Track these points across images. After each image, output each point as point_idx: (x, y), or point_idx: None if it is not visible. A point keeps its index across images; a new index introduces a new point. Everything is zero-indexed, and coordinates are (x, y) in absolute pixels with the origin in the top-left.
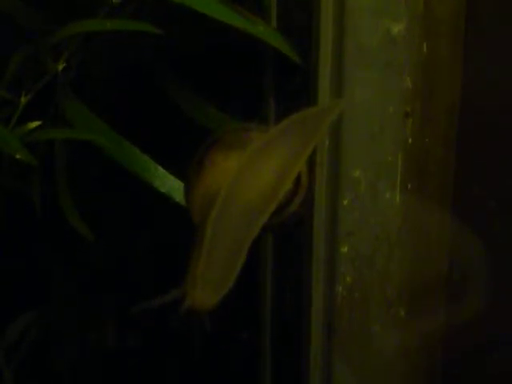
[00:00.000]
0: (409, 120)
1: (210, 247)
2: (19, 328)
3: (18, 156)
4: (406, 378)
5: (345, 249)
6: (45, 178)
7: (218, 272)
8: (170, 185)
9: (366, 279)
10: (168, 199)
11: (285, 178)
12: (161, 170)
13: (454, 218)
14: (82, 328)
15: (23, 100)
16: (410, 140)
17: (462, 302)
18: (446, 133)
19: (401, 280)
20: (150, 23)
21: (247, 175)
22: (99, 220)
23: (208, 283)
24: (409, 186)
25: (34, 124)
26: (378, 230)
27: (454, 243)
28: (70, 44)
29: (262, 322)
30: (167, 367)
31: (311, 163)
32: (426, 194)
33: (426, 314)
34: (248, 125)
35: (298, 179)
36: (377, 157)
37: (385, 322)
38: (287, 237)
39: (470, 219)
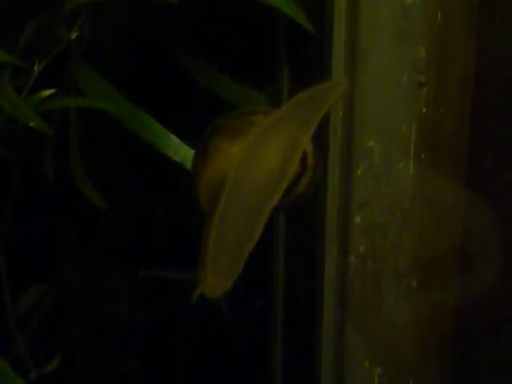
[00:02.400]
0: (423, 90)
1: (218, 233)
2: (32, 297)
3: (31, 124)
4: (417, 349)
5: (358, 219)
6: (58, 148)
7: (229, 257)
8: (184, 154)
9: (379, 249)
10: (182, 168)
11: (291, 158)
12: (174, 138)
13: (468, 189)
14: (94, 299)
15: (36, 69)
16: (423, 110)
17: (475, 274)
18: (460, 103)
19: (414, 251)
20: None
21: (253, 159)
22: (112, 190)
23: (218, 269)
24: (422, 156)
25: (48, 92)
26: (391, 200)
27: (468, 215)
28: (83, 12)
29: (274, 292)
30: (178, 339)
31: (317, 144)
32: (439, 164)
33: (439, 286)
34: (251, 108)
35: (304, 160)
36: (390, 127)
37: (397, 292)
38: (300, 207)
39: (484, 190)
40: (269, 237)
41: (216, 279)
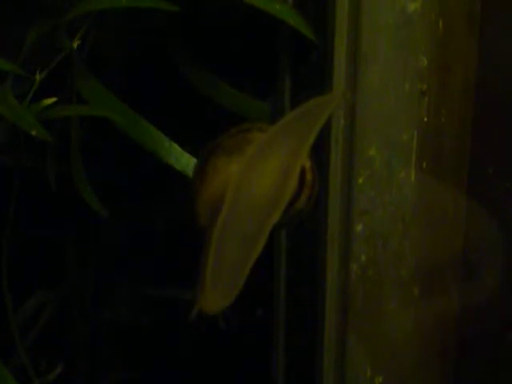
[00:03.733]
0: (424, 98)
1: (218, 252)
2: (34, 305)
3: (33, 132)
4: (419, 357)
5: (359, 227)
6: (60, 156)
7: (228, 276)
8: (185, 162)
9: (381, 258)
10: (182, 177)
11: (289, 175)
12: (176, 147)
13: (469, 197)
14: (97, 307)
15: (38, 77)
16: (425, 118)
17: (477, 283)
18: (462, 111)
19: (415, 259)
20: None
21: (250, 177)
22: (114, 198)
23: (218, 287)
24: (424, 164)
25: (50, 101)
26: (392, 208)
27: (469, 223)
28: (85, 21)
29: (276, 300)
30: (180, 344)
31: (315, 160)
32: (441, 173)
33: (440, 294)
34: (247, 125)
35: (302, 176)
36: (392, 135)
37: (399, 301)
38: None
39: (485, 199)
40: (270, 245)
41: (215, 297)
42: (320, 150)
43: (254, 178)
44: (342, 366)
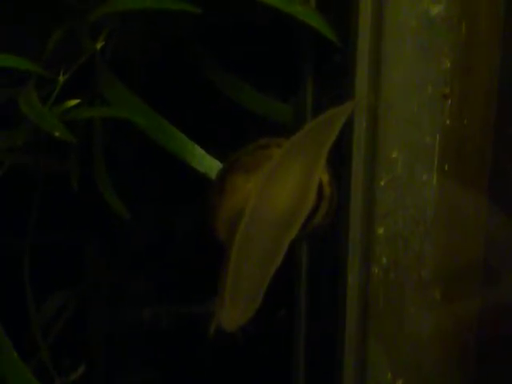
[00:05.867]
0: (447, 101)
1: (237, 267)
2: (56, 304)
3: (56, 133)
4: (440, 361)
5: (381, 230)
6: (82, 158)
7: (247, 291)
8: (208, 164)
9: (402, 260)
10: (206, 179)
11: (306, 190)
12: (198, 149)
13: (491, 201)
14: (118, 306)
15: (61, 79)
16: (447, 121)
17: (498, 286)
18: (485, 114)
19: (437, 262)
20: (189, 2)
21: (268, 194)
22: (135, 199)
23: (237, 302)
24: (446, 167)
25: (73, 102)
26: (414, 211)
27: (491, 227)
28: (108, 22)
29: (297, 302)
30: (201, 343)
31: (332, 172)
32: (463, 176)
33: (462, 298)
34: (265, 141)
35: (320, 190)
36: (414, 138)
37: (420, 304)
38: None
39: (507, 202)
40: (292, 247)
41: (235, 312)
42: (342, 152)
43: (271, 194)
44: (363, 370)
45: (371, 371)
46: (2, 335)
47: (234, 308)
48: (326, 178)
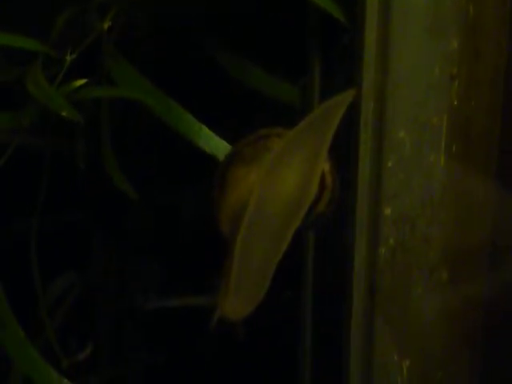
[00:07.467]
0: (454, 82)
1: (241, 259)
2: (62, 285)
3: (63, 113)
4: (447, 341)
5: (388, 211)
6: (89, 139)
7: (252, 282)
8: (214, 144)
9: (409, 242)
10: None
11: (309, 179)
12: (205, 129)
13: (499, 182)
14: (123, 289)
15: (68, 58)
16: (455, 102)
17: (506, 267)
18: (492, 96)
19: (444, 244)
20: None
21: (271, 184)
22: (142, 181)
23: (242, 293)
24: (453, 148)
25: (80, 82)
26: (421, 192)
27: (498, 208)
28: (116, 2)
29: (303, 282)
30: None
31: (334, 162)
32: (470, 157)
33: (469, 279)
34: (265, 131)
35: (322, 180)
36: (421, 119)
37: (427, 285)
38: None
39: None
40: (295, 236)
41: (239, 303)
42: (349, 133)
43: (274, 184)
44: (370, 351)
45: (378, 352)
46: (10, 315)
47: (239, 298)
48: (327, 166)
